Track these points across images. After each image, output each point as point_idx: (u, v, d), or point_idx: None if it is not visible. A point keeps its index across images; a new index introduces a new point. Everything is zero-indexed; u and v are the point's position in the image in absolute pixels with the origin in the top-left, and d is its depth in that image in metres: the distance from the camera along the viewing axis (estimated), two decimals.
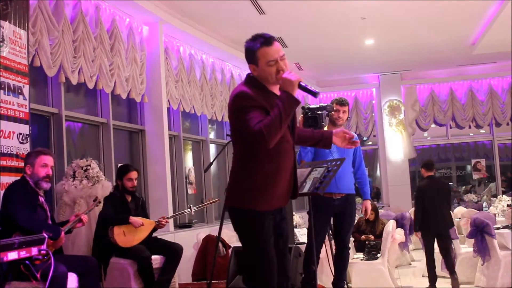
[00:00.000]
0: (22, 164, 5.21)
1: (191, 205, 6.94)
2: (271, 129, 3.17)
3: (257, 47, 3.39)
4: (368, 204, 6.00)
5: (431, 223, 7.42)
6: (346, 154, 5.72)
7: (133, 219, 6.03)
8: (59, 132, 6.94)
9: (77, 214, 5.25)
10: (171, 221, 8.22)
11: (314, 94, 3.40)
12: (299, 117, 5.36)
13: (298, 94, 3.34)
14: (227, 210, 3.55)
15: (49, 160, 4.95)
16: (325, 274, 6.86)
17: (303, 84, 3.32)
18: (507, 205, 10.43)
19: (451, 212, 7.81)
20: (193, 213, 6.89)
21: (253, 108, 3.27)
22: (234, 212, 3.46)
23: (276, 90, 3.44)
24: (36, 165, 4.87)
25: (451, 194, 7.99)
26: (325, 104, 5.22)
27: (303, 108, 5.06)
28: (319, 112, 5.11)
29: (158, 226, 6.33)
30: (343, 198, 5.71)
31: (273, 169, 3.39)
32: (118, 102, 8.33)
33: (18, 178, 5.13)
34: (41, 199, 4.93)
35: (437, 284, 7.65)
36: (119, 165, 7.24)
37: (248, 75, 3.53)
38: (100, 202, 5.82)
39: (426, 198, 7.49)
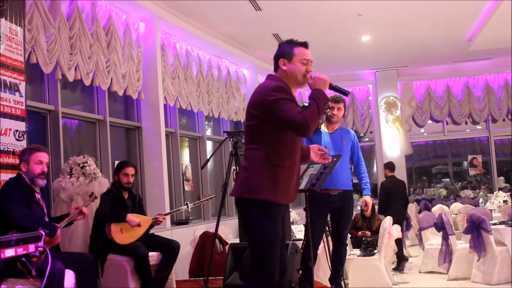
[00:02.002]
0: (19, 161, 5.19)
1: (188, 202, 6.93)
2: (312, 120, 3.47)
3: (295, 45, 3.75)
4: (368, 198, 5.98)
5: (392, 213, 8.68)
6: (342, 150, 5.72)
7: (130, 218, 6.01)
8: (55, 129, 6.93)
9: (77, 206, 5.24)
10: (168, 218, 8.23)
11: (345, 93, 3.86)
12: None
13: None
14: (241, 202, 3.64)
15: (44, 156, 4.94)
16: (322, 270, 6.87)
17: (334, 85, 3.69)
18: (503, 201, 10.47)
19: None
20: (190, 210, 6.88)
21: (291, 101, 3.56)
22: (251, 203, 3.57)
23: (294, 92, 3.74)
24: (31, 162, 4.86)
25: (407, 191, 10.65)
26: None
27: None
28: None
29: (155, 223, 6.32)
30: (340, 194, 5.71)
31: (290, 165, 3.65)
32: (114, 99, 8.32)
33: (11, 175, 5.12)
34: (38, 196, 4.92)
35: (434, 280, 7.71)
36: (116, 161, 7.23)
37: (271, 75, 3.77)
38: (96, 198, 5.81)
39: (389, 194, 9.64)
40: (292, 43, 3.77)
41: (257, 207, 3.55)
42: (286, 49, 3.74)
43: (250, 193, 3.58)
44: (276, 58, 3.77)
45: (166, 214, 6.66)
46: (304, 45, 3.76)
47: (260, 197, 3.54)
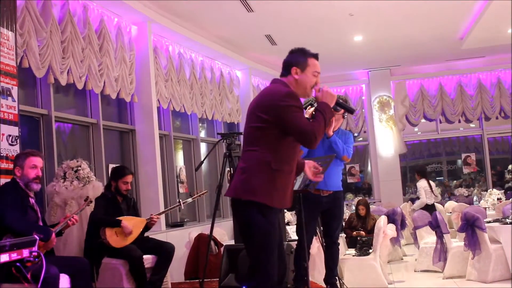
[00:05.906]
0: (12, 166, 5.19)
1: (180, 200, 6.93)
2: (319, 132, 3.57)
3: (309, 56, 3.78)
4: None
5: None
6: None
7: (125, 224, 6.00)
8: (49, 133, 6.91)
9: (67, 215, 5.22)
10: (163, 220, 8.23)
11: (351, 111, 3.98)
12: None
13: None
14: (238, 203, 3.64)
15: (38, 161, 4.94)
16: (317, 270, 6.88)
17: (341, 101, 3.85)
18: (497, 199, 10.50)
19: None
20: (183, 207, 6.90)
21: (301, 109, 3.65)
22: (248, 205, 3.57)
23: None
24: (25, 166, 4.86)
25: None
26: (354, 108, 5.56)
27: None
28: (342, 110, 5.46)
29: (150, 224, 6.32)
30: (331, 196, 5.75)
31: (289, 170, 3.69)
32: (107, 102, 8.31)
33: (8, 180, 5.11)
34: (32, 200, 4.91)
35: (429, 279, 7.74)
36: (112, 166, 7.22)
37: (279, 80, 3.79)
38: (91, 202, 5.79)
39: None
40: (306, 53, 3.77)
41: (254, 209, 3.55)
42: (300, 58, 3.75)
43: (247, 195, 3.57)
44: (289, 65, 3.75)
45: (159, 214, 6.65)
46: (316, 57, 3.80)
47: (258, 200, 3.54)
